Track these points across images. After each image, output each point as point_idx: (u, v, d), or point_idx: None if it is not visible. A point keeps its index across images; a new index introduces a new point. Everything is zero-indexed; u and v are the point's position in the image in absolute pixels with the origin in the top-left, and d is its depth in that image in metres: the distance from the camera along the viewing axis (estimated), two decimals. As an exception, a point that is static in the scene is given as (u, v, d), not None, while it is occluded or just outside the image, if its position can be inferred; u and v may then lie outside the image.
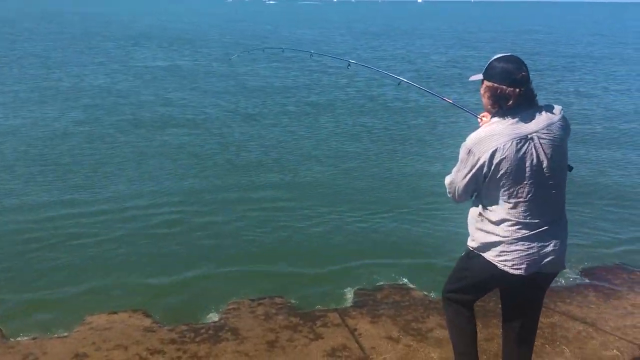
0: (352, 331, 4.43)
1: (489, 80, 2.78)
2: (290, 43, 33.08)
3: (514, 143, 2.68)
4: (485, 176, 2.77)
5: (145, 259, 6.10)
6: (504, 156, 2.68)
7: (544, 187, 2.77)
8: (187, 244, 6.45)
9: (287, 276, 5.73)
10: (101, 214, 7.21)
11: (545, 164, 2.73)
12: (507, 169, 2.71)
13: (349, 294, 5.25)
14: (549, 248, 2.83)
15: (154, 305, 5.01)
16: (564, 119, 2.80)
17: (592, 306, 4.87)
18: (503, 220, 2.82)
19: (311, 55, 6.71)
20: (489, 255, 2.90)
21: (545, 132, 2.72)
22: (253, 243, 6.54)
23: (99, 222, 6.93)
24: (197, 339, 4.34)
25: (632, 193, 8.45)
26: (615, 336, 4.36)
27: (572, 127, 2.89)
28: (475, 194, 2.95)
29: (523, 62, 2.77)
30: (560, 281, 5.31)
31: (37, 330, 4.63)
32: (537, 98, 2.81)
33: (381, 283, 5.49)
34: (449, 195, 3.03)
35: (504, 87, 2.72)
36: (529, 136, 2.70)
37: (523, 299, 3.05)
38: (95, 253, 6.17)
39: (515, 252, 2.82)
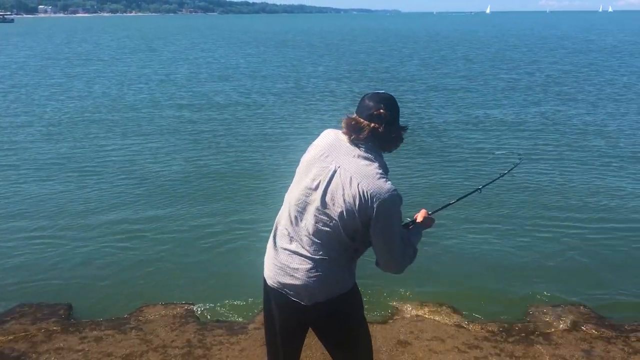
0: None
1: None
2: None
3: None
4: None
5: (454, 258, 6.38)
6: None
7: None
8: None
9: (587, 286, 5.65)
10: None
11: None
12: None
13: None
14: None
15: (457, 301, 5.32)
16: (371, 197, 2.47)
17: None
18: None
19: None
20: None
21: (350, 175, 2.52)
22: (548, 248, 6.59)
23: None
24: (510, 340, 4.58)
25: None
26: None
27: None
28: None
29: (389, 102, 2.59)
30: None
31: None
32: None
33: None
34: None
35: (361, 120, 2.57)
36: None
37: None
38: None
39: None
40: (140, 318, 5.02)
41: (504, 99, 17.70)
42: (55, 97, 18.59)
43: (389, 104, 2.58)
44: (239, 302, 5.33)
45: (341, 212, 2.50)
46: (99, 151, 11.39)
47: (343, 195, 2.49)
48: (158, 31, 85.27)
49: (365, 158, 2.53)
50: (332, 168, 2.54)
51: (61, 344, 4.54)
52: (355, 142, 2.56)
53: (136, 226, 7.36)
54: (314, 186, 2.57)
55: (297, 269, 2.61)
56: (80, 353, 4.42)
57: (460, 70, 26.51)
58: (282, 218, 2.72)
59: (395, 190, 2.50)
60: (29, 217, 7.68)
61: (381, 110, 2.53)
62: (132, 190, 8.82)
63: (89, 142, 12.16)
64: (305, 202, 2.60)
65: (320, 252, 2.58)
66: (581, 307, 5.12)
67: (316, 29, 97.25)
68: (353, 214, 2.49)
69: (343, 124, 2.61)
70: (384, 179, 2.50)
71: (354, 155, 2.53)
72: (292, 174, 2.73)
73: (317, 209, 2.55)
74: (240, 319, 5.06)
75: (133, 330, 4.79)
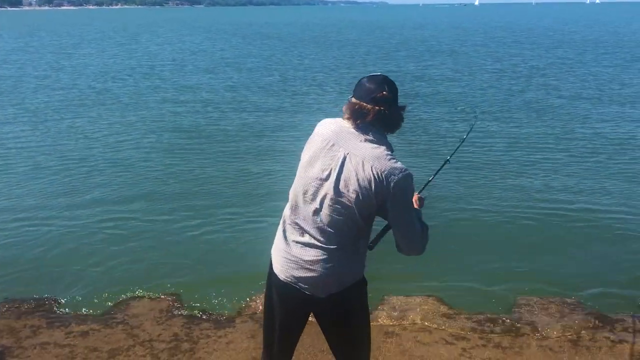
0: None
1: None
2: None
3: None
4: None
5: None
6: None
7: None
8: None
9: (573, 276, 5.68)
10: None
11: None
12: None
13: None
14: None
15: (444, 292, 5.33)
16: (385, 175, 2.47)
17: None
18: None
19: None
20: None
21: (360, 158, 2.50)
22: (534, 239, 6.63)
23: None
24: (497, 330, 4.60)
25: None
26: None
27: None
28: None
29: (389, 83, 2.60)
30: None
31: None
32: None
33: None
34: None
35: (365, 104, 2.55)
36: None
37: None
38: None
39: None
40: (127, 312, 4.98)
41: (489, 88, 17.83)
42: (41, 90, 18.40)
43: (390, 84, 2.59)
44: (226, 295, 5.31)
45: (357, 197, 2.48)
46: (83, 142, 11.30)
47: (357, 180, 2.47)
48: (144, 24, 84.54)
49: (373, 141, 2.52)
50: (341, 155, 2.51)
51: (47, 339, 4.50)
52: (360, 127, 2.54)
53: (121, 217, 7.31)
54: (324, 176, 2.54)
55: (312, 260, 2.58)
56: (66, 348, 4.38)
57: (445, 61, 26.56)
58: (290, 212, 2.68)
59: (407, 169, 2.50)
60: (11, 209, 7.61)
61: (384, 93, 2.53)
62: (117, 181, 8.75)
63: (75, 134, 12.07)
64: (316, 193, 2.56)
65: (334, 242, 2.57)
66: (567, 298, 5.15)
67: (303, 20, 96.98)
68: (369, 197, 2.48)
69: (345, 110, 2.59)
70: (394, 160, 2.50)
71: (361, 140, 2.51)
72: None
73: (331, 199, 2.52)
74: (227, 312, 5.04)
75: (119, 325, 4.75)
